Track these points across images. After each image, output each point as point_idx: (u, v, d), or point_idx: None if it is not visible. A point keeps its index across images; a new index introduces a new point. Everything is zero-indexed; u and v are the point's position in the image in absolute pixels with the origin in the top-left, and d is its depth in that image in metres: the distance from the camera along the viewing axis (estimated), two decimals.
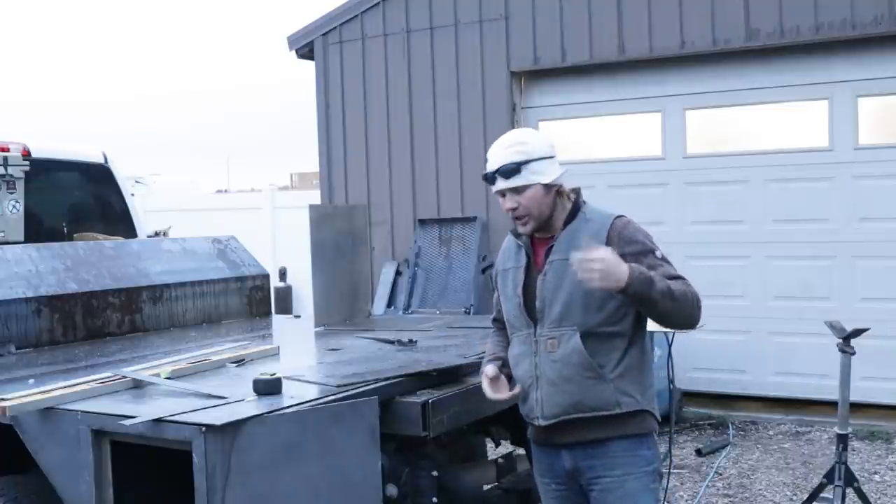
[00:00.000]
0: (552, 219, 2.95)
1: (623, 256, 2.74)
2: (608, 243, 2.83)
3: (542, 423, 2.91)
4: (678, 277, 2.86)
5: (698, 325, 2.85)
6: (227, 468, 2.57)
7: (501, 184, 2.89)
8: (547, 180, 2.89)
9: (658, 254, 2.93)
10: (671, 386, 4.95)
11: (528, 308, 2.93)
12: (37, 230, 5.74)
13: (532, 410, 2.94)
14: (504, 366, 3.05)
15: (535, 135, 3.03)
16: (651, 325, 4.73)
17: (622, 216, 3.00)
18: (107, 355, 4.00)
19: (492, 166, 2.91)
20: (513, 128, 8.10)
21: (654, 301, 2.72)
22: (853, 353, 4.36)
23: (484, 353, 3.22)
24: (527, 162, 2.88)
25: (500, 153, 2.90)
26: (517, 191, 2.88)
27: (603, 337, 2.85)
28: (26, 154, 5.70)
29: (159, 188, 17.93)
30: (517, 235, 3.02)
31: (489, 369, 3.01)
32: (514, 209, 2.89)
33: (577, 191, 3.02)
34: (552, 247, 2.94)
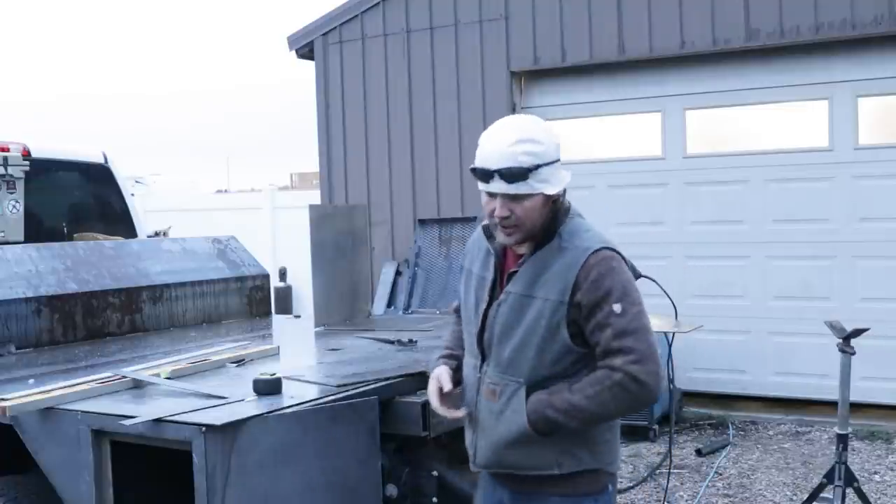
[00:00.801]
0: (538, 231, 2.50)
1: (578, 307, 2.40)
2: (575, 286, 2.40)
3: (474, 468, 2.61)
4: (629, 333, 2.40)
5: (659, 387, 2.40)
6: (227, 468, 2.57)
7: (499, 186, 2.39)
8: (552, 191, 2.42)
9: (618, 308, 2.40)
10: (671, 386, 4.95)
11: (480, 337, 2.54)
12: (37, 230, 5.74)
13: (469, 446, 2.61)
14: (458, 369, 2.68)
15: (547, 131, 2.48)
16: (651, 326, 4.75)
17: (603, 249, 2.49)
18: (107, 355, 4.00)
19: (491, 163, 2.40)
20: None
21: (573, 428, 2.41)
22: (853, 353, 4.36)
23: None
24: (537, 167, 2.39)
25: (504, 150, 2.38)
26: (516, 198, 2.39)
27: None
28: (26, 154, 5.71)
29: (159, 188, 17.94)
30: (489, 236, 2.57)
31: (441, 373, 2.62)
32: (505, 218, 2.41)
33: (568, 205, 2.56)
34: (515, 272, 2.49)
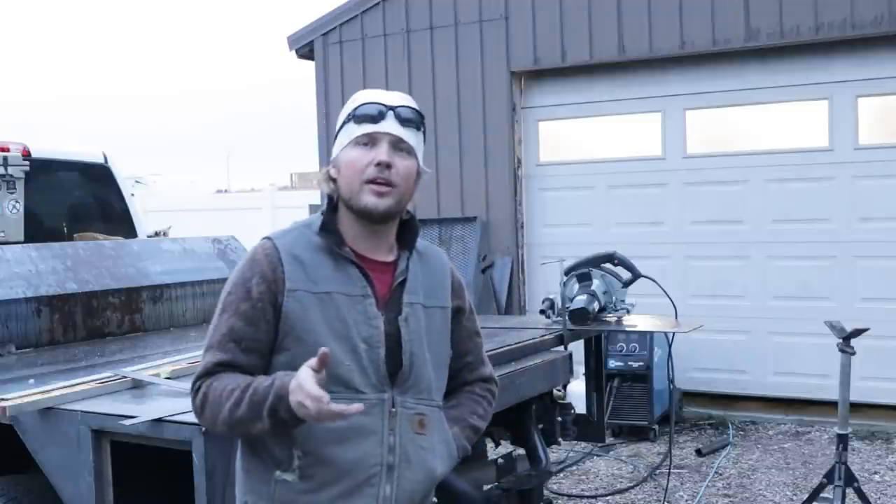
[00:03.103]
0: (392, 224, 2.15)
1: (460, 311, 2.26)
2: (452, 291, 2.26)
3: None
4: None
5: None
6: (227, 468, 2.57)
7: (391, 126, 2.08)
8: (421, 165, 2.16)
9: (474, 315, 2.35)
10: (671, 386, 4.95)
11: (391, 363, 2.07)
12: (37, 230, 5.73)
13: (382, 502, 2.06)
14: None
15: None
16: (651, 325, 4.76)
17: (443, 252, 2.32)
18: (107, 355, 3.99)
19: (387, 100, 2.11)
20: (513, 128, 8.13)
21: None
22: (853, 353, 4.36)
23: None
24: (423, 125, 2.17)
25: (398, 95, 2.16)
26: (401, 148, 2.09)
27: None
28: (26, 154, 5.70)
29: (159, 188, 17.94)
30: (330, 231, 2.10)
31: (303, 376, 1.87)
32: (387, 166, 2.06)
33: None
34: (403, 281, 2.14)
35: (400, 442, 2.07)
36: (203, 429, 2.55)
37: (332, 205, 2.14)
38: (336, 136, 2.18)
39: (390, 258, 2.16)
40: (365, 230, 2.12)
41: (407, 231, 2.19)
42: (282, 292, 2.04)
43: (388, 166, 2.07)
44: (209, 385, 2.05)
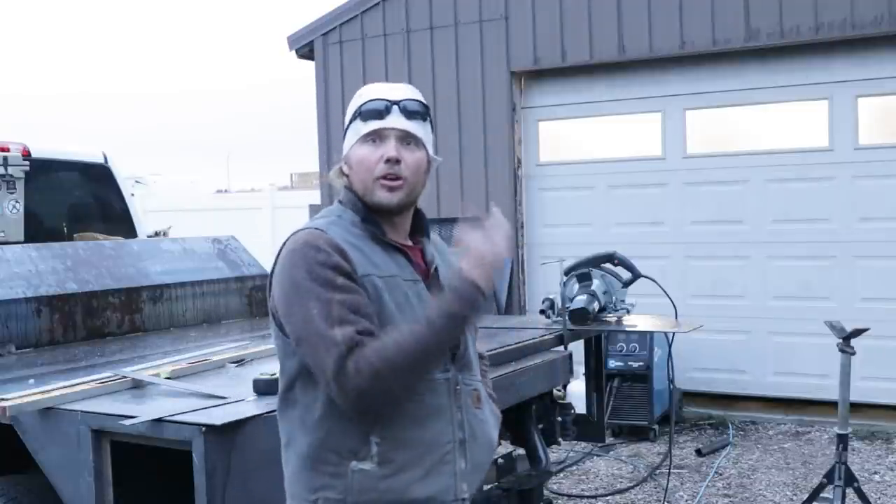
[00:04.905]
0: (408, 213, 2.22)
1: None
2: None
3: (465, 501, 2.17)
4: None
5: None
6: (227, 468, 2.57)
7: (397, 121, 2.11)
8: (432, 153, 2.20)
9: None
10: (671, 386, 4.95)
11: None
12: (37, 230, 5.74)
13: (448, 490, 2.10)
14: None
15: None
16: (651, 325, 4.76)
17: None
18: (107, 355, 4.00)
19: (390, 95, 2.14)
20: (513, 128, 8.13)
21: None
22: (853, 353, 4.36)
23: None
24: (428, 115, 2.18)
25: (402, 88, 2.17)
26: (408, 141, 2.12)
27: None
28: (26, 154, 5.71)
29: (159, 188, 17.93)
30: (372, 221, 2.15)
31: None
32: (395, 162, 2.10)
33: None
34: (432, 260, 2.23)
35: (466, 417, 2.14)
36: (203, 429, 2.56)
37: (360, 198, 2.16)
38: (345, 133, 2.21)
39: (409, 244, 2.22)
40: (383, 220, 2.17)
41: (419, 219, 2.26)
42: (357, 276, 2.04)
43: (398, 161, 2.10)
44: (364, 353, 1.93)
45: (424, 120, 2.16)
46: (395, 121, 2.11)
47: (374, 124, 2.12)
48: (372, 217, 2.15)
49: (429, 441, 2.07)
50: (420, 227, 2.26)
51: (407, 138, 2.12)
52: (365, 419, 2.01)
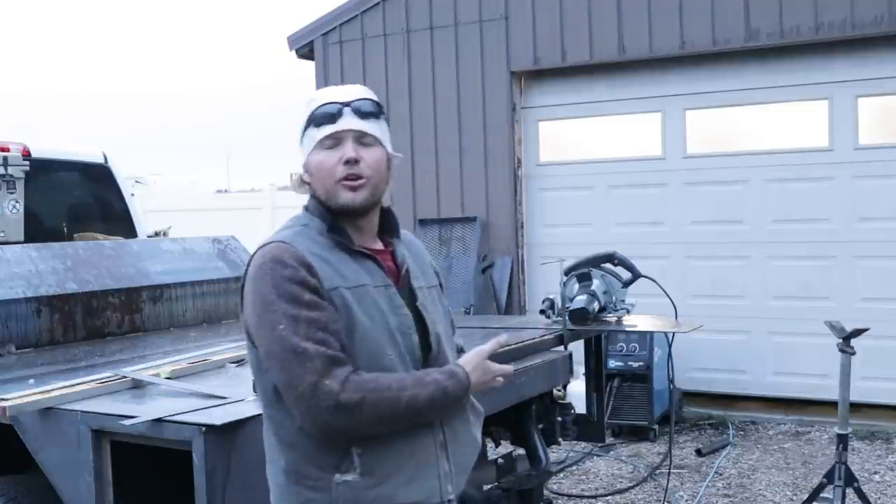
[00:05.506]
0: (374, 214, 2.20)
1: (441, 288, 2.36)
2: (434, 270, 2.36)
3: (451, 499, 2.21)
4: None
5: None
6: (227, 468, 2.57)
7: (350, 122, 2.10)
8: (390, 149, 2.19)
9: None
10: (671, 386, 4.95)
11: (425, 346, 2.16)
12: (37, 230, 5.74)
13: (433, 493, 2.13)
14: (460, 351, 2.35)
15: None
16: (651, 325, 4.76)
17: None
18: (107, 355, 3.99)
19: (341, 97, 2.14)
20: (513, 128, 8.13)
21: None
22: (853, 353, 4.36)
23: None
24: (382, 113, 2.18)
25: (352, 89, 2.17)
26: (364, 141, 2.12)
27: None
28: (26, 154, 5.70)
29: (159, 188, 17.92)
30: (337, 230, 2.13)
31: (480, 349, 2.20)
32: (354, 162, 2.09)
33: None
34: (403, 261, 2.23)
35: (446, 419, 2.15)
36: (203, 429, 2.56)
37: (325, 205, 2.15)
38: (301, 141, 2.20)
39: (379, 247, 2.22)
40: (350, 225, 2.16)
41: (387, 219, 2.25)
42: (324, 291, 2.04)
43: (357, 161, 2.10)
44: (353, 377, 1.97)
45: (378, 118, 2.16)
46: (349, 122, 2.11)
47: (329, 128, 2.11)
48: (337, 225, 2.14)
49: (411, 446, 2.08)
50: (389, 227, 2.25)
51: (363, 138, 2.12)
52: (331, 437, 2.01)
